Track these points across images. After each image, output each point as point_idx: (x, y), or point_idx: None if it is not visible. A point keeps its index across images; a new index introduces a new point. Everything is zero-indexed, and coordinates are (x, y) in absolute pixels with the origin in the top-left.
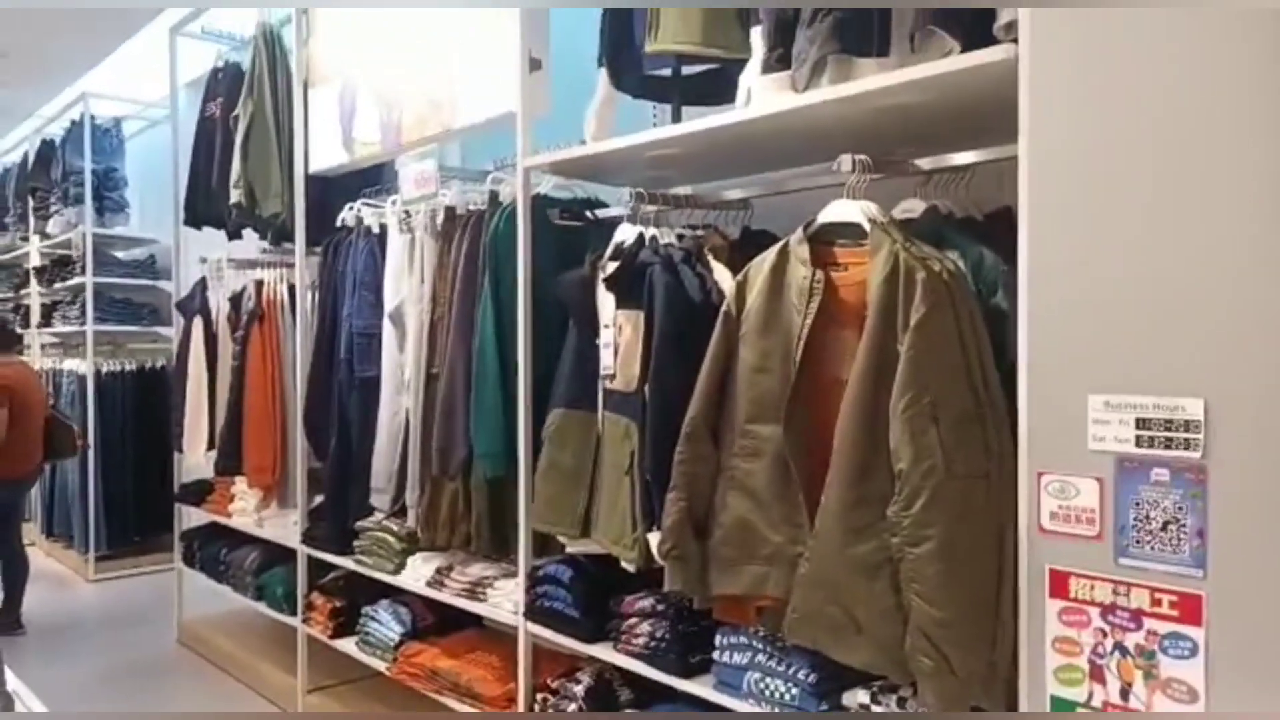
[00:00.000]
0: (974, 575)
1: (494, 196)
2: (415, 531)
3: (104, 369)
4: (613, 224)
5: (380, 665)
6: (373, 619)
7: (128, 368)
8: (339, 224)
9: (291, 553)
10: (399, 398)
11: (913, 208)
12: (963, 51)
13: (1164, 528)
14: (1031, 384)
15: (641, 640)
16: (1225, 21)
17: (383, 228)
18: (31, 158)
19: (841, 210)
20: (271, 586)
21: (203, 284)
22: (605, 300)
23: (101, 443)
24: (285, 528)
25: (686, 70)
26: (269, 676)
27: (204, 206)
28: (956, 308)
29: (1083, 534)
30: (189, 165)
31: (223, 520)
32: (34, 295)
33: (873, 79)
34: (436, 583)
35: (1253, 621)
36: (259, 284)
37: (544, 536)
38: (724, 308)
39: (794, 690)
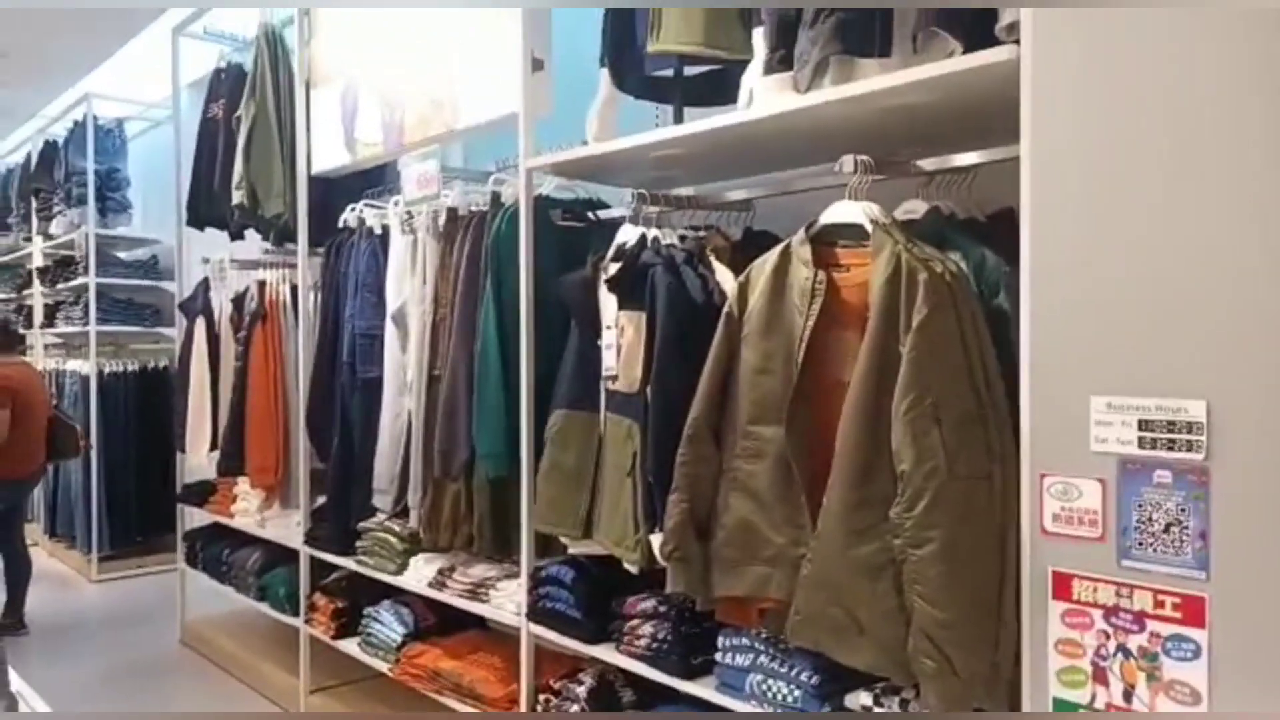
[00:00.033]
0: (976, 577)
1: (496, 197)
2: (417, 532)
3: (107, 369)
4: (615, 225)
5: (382, 666)
6: (375, 620)
7: (130, 368)
8: (341, 225)
9: (294, 553)
10: (401, 399)
11: (915, 208)
12: (965, 53)
13: (1167, 529)
14: (1034, 385)
15: (644, 641)
16: (1227, 22)
17: (385, 228)
18: (34, 158)
19: (843, 211)
20: (274, 587)
21: (205, 285)
22: (607, 301)
23: (104, 443)
24: (288, 528)
25: (688, 71)
26: (271, 677)
27: (206, 207)
28: (959, 309)
29: (1085, 536)
30: (191, 166)
31: (225, 521)
32: (37, 296)
33: (875, 80)
34: (438, 584)
35: (1256, 623)
36: (261, 285)
37: (546, 537)
38: (726, 309)
39: (796, 692)
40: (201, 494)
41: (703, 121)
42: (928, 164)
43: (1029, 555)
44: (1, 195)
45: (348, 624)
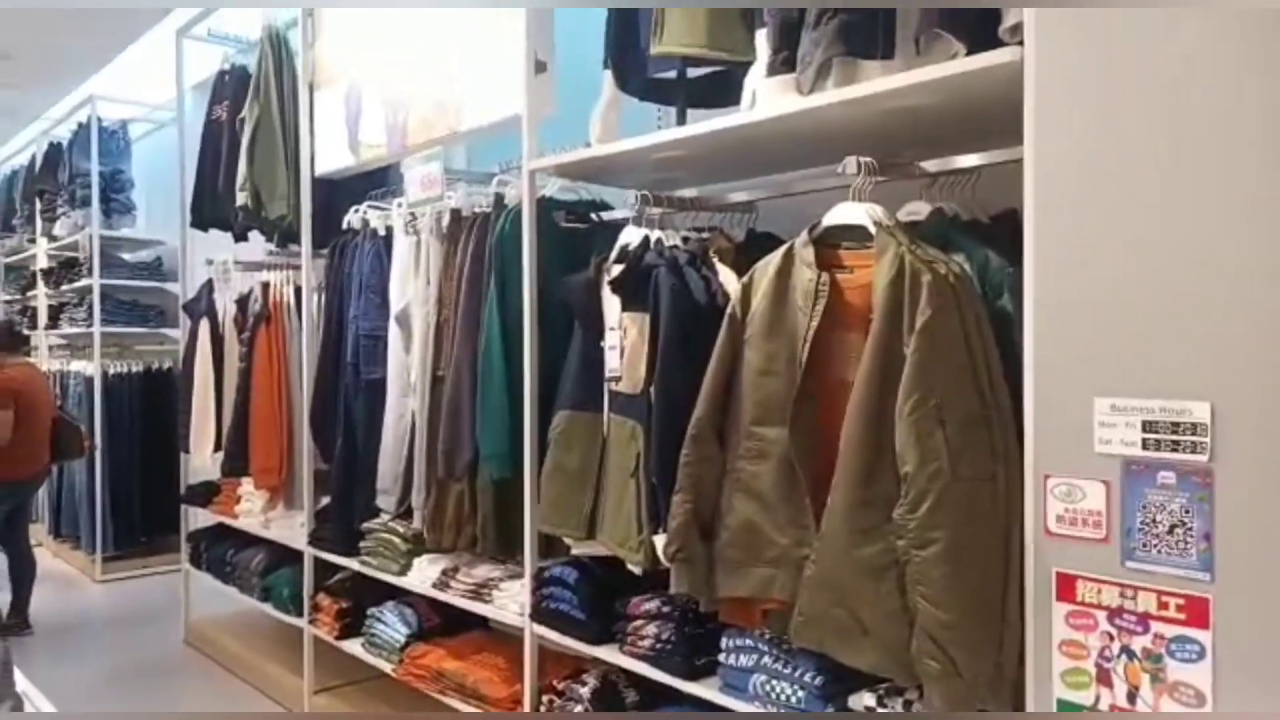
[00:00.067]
0: (980, 578)
1: (499, 199)
2: (421, 533)
3: (111, 370)
4: (618, 226)
5: (386, 666)
6: (379, 620)
7: (134, 369)
8: (345, 226)
9: (298, 554)
10: (405, 399)
11: (918, 210)
12: (968, 54)
13: (1171, 531)
14: (1038, 386)
15: (647, 642)
16: (1230, 23)
17: (388, 230)
18: (39, 160)
19: (847, 213)
20: (278, 587)
21: (209, 286)
22: (610, 302)
23: (108, 444)
24: (291, 529)
25: (692, 73)
26: (275, 677)
27: (210, 208)
28: (962, 310)
29: (1089, 537)
30: (195, 167)
31: (229, 521)
32: (41, 297)
33: (878, 81)
34: (442, 584)
35: (1260, 625)
36: (265, 286)
37: (549, 538)
38: (729, 310)
39: (800, 693)
40: (206, 495)
41: (706, 123)
42: (931, 165)
43: (1033, 556)
44: (6, 197)
45: (351, 624)
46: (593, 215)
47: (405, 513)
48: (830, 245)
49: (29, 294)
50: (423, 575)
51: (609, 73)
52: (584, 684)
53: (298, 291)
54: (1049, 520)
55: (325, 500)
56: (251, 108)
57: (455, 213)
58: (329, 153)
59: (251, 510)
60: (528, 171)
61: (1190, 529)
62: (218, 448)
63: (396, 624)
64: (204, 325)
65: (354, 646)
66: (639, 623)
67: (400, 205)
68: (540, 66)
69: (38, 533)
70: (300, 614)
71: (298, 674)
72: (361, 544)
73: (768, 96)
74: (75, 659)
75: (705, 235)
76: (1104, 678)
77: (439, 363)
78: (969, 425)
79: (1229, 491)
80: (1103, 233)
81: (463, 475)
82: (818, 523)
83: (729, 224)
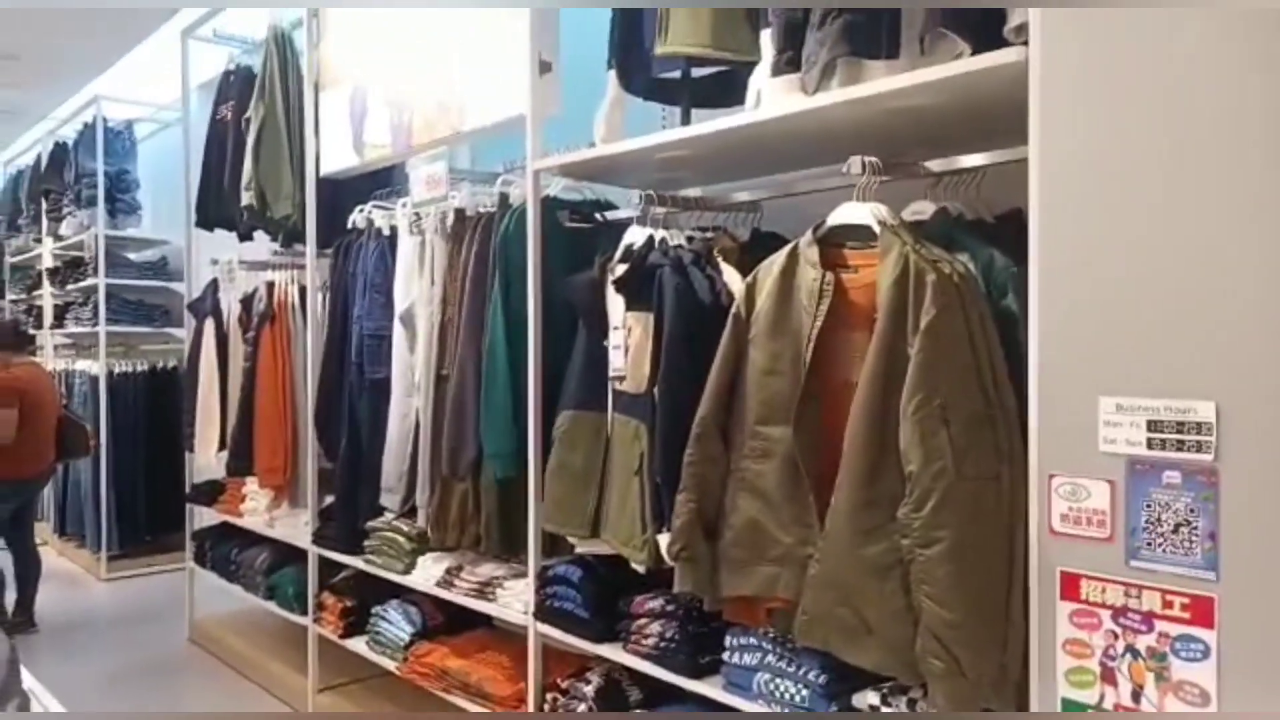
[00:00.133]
0: (984, 577)
1: (504, 198)
2: (425, 531)
3: (116, 370)
4: (622, 226)
5: (390, 665)
6: (383, 619)
7: (139, 368)
8: (349, 226)
9: (302, 553)
10: (409, 399)
11: (923, 210)
12: (973, 54)
13: (1175, 530)
14: (1042, 386)
15: (651, 641)
16: (1234, 23)
17: (393, 230)
18: (44, 160)
19: (851, 212)
20: (282, 586)
21: (214, 285)
22: (615, 302)
23: (113, 443)
24: (296, 528)
25: (696, 73)
26: (280, 676)
27: (215, 208)
28: (967, 310)
29: (1094, 536)
30: (200, 167)
31: (234, 520)
32: (46, 296)
33: (883, 81)
34: (446, 583)
35: (1265, 624)
36: (270, 285)
37: (553, 537)
38: (733, 309)
39: (804, 691)
40: (210, 493)
41: (710, 123)
42: (935, 165)
43: (1037, 556)
44: (12, 197)
45: (356, 623)
46: (597, 215)
47: (409, 511)
48: (835, 245)
49: (35, 293)
50: (427, 574)
51: (613, 73)
52: (588, 682)
53: (302, 291)
54: (1053, 519)
55: (329, 499)
56: (256, 108)
57: (460, 212)
58: (334, 153)
59: (256, 509)
60: (532, 171)
61: (1195, 528)
62: (222, 447)
63: (401, 622)
64: (209, 325)
65: (358, 645)
66: (643, 621)
67: (405, 205)
68: (545, 67)
69: (43, 531)
70: (305, 612)
71: (302, 672)
72: (366, 543)
73: (772, 96)
74: (80, 657)
75: (709, 235)
76: (1108, 677)
77: (443, 362)
78: (973, 425)
79: (1234, 491)
80: (1107, 232)
81: (467, 474)
82: (822, 522)
83: (733, 224)
